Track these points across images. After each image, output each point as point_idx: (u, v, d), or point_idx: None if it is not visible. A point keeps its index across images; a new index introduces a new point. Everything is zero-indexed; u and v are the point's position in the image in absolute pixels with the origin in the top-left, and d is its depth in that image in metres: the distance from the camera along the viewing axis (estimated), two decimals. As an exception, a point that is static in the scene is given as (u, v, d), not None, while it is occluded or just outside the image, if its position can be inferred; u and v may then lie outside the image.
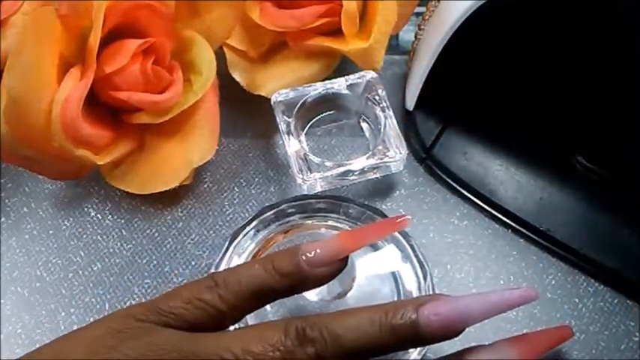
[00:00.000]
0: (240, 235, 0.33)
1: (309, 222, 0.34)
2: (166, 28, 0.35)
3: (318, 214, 0.34)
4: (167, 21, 0.35)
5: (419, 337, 0.24)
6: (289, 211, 0.34)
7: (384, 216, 0.34)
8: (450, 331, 0.24)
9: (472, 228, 0.37)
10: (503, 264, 0.35)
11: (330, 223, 0.34)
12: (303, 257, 0.26)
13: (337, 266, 0.26)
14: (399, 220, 0.28)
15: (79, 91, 0.32)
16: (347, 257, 0.27)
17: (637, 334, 0.33)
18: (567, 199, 0.37)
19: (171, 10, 0.35)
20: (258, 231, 0.33)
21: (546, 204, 0.36)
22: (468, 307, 0.24)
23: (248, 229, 0.33)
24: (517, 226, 0.36)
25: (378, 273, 0.33)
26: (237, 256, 0.33)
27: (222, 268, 0.32)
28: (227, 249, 0.33)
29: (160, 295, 0.26)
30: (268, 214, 0.34)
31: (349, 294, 0.31)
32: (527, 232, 0.36)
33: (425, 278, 0.32)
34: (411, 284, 0.32)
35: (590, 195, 0.36)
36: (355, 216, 0.34)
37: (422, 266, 0.32)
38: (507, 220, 0.36)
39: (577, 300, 0.34)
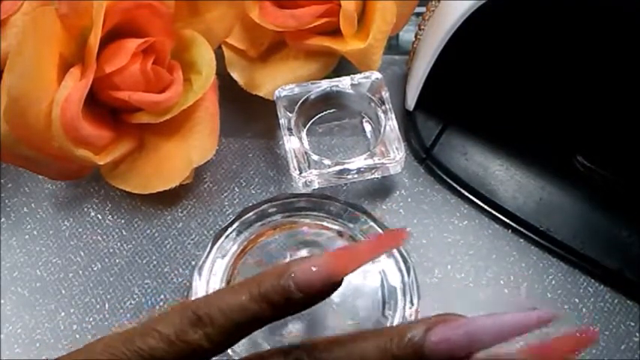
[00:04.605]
0: (222, 237, 0.33)
1: (291, 221, 0.34)
2: (166, 27, 0.35)
3: (300, 213, 0.34)
4: (167, 20, 0.35)
5: None
6: (270, 210, 0.34)
7: (366, 212, 0.34)
8: (457, 357, 0.22)
9: (472, 228, 0.37)
10: (503, 264, 0.35)
11: (312, 221, 0.34)
12: (292, 284, 0.22)
13: (331, 288, 0.23)
14: (398, 233, 0.24)
15: (79, 91, 0.32)
16: (342, 279, 0.23)
17: (637, 334, 0.33)
18: (567, 199, 0.36)
19: (171, 10, 0.35)
20: (240, 232, 0.33)
21: (546, 204, 0.36)
22: (479, 331, 0.22)
23: (230, 230, 0.33)
24: (517, 226, 0.36)
25: (363, 269, 0.33)
26: (221, 257, 0.33)
27: (205, 270, 0.32)
28: (210, 251, 0.33)
29: (140, 328, 0.23)
30: (249, 214, 0.34)
31: None
32: (527, 232, 0.36)
33: (408, 273, 0.32)
34: (394, 279, 0.32)
35: (590, 195, 0.36)
36: (337, 213, 0.34)
37: (405, 261, 0.32)
38: (507, 220, 0.36)
39: (577, 300, 0.34)
